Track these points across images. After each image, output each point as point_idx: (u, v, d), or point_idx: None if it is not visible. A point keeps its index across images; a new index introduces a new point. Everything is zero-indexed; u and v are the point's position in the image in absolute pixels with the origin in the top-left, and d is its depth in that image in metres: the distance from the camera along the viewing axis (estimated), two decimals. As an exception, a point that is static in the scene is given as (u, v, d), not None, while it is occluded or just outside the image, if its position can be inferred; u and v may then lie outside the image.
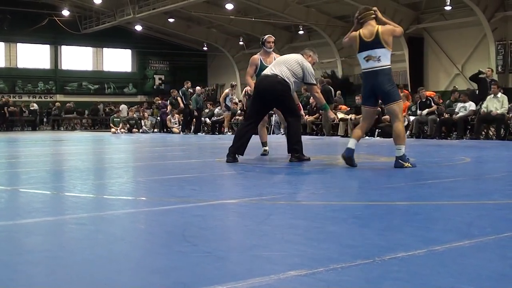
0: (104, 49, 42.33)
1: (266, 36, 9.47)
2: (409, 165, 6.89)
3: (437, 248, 2.88)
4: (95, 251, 2.98)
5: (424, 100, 17.17)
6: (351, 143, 7.11)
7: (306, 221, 3.82)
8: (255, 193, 5.12)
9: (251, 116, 8.50)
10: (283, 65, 8.03)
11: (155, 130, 26.89)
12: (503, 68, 26.03)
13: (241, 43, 39.46)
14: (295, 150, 8.03)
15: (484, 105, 15.60)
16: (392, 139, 7.20)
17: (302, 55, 8.21)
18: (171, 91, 26.17)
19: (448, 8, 27.22)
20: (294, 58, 8.12)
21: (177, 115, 25.05)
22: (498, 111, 15.22)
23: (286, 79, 7.93)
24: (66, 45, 40.98)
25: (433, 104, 17.05)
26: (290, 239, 3.28)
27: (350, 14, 31.40)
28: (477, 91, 17.37)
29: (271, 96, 8.10)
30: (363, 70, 7.10)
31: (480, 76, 17.24)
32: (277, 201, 4.62)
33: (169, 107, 25.44)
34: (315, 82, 8.30)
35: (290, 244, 3.14)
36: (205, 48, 42.25)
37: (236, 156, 8.15)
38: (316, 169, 7.29)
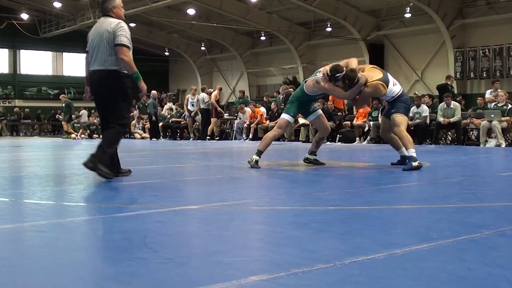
0: (64, 53, 41.84)
1: None
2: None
3: (397, 252, 2.91)
4: (55, 259, 2.94)
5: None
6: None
7: (267, 226, 3.83)
8: (216, 198, 5.12)
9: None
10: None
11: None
12: (461, 75, 26.50)
13: (202, 48, 39.43)
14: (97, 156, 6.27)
15: (439, 113, 15.91)
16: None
17: (111, 16, 6.75)
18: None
19: (408, 15, 27.62)
20: (109, 30, 6.53)
21: (142, 121, 24.92)
22: (451, 120, 15.57)
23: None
24: (25, 49, 40.40)
25: None
26: (252, 244, 3.29)
27: (311, 20, 31.73)
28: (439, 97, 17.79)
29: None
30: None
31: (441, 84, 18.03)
32: (238, 206, 4.62)
33: (136, 112, 25.30)
34: (127, 44, 6.49)
35: (252, 249, 3.15)
36: (166, 53, 42.07)
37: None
38: (278, 174, 7.32)
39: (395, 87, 7.91)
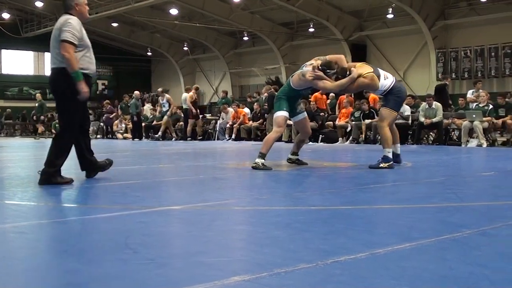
0: (46, 53, 41.46)
1: None
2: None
3: (379, 251, 2.92)
4: (36, 260, 2.92)
5: (367, 112, 17.46)
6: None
7: (249, 227, 3.82)
8: (199, 199, 5.10)
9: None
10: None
11: (98, 136, 26.51)
12: (443, 75, 26.66)
13: (185, 48, 39.37)
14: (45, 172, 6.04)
15: (421, 113, 16.02)
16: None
17: (71, 13, 6.25)
18: (123, 96, 25.98)
19: (390, 16, 27.75)
20: (58, 27, 6.19)
21: (125, 121, 24.84)
22: (433, 120, 15.69)
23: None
24: (6, 49, 40.12)
25: (375, 116, 17.34)
26: (234, 244, 3.28)
27: (294, 21, 31.75)
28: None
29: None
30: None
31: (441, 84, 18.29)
32: (221, 207, 4.61)
33: (119, 112, 25.25)
34: (71, 40, 5.98)
35: (234, 249, 3.14)
36: (149, 53, 41.95)
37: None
38: (261, 174, 7.31)
39: (386, 81, 8.00)
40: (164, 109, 22.48)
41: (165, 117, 22.32)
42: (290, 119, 8.52)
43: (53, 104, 6.42)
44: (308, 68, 7.97)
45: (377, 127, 8.08)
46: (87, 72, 6.18)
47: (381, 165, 7.74)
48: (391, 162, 7.78)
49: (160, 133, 22.37)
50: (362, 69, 7.99)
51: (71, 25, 6.03)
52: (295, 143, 8.77)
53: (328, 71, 7.84)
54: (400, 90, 8.18)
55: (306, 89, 8.39)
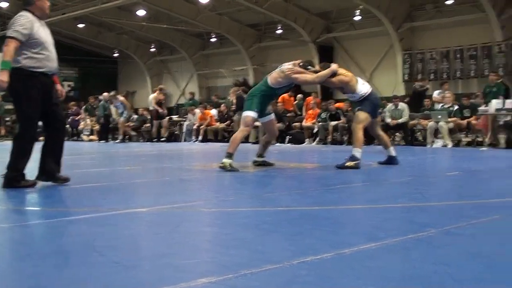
0: (11, 55, 40.93)
1: None
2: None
3: (345, 251, 2.94)
4: (-2, 264, 2.88)
5: (333, 113, 17.63)
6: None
7: (216, 228, 3.82)
8: (166, 201, 5.08)
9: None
10: None
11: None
12: (409, 77, 26.88)
13: (152, 49, 39.16)
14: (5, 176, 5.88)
15: (387, 114, 16.22)
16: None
17: (29, 10, 6.06)
18: (89, 97, 25.72)
19: (357, 18, 27.94)
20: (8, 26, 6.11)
21: (90, 122, 24.59)
22: (399, 121, 15.92)
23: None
24: (-31, 50, 39.46)
25: (341, 118, 17.50)
26: (201, 246, 3.27)
27: (262, 22, 31.76)
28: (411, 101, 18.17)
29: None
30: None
31: (419, 89, 18.53)
32: (188, 208, 4.60)
33: (83, 114, 25.04)
34: (14, 35, 5.80)
35: (201, 251, 3.14)
36: (116, 55, 41.61)
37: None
38: (227, 176, 7.31)
39: (363, 87, 8.34)
40: (120, 111, 22.22)
41: (121, 119, 22.02)
42: (258, 120, 8.53)
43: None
44: (287, 66, 8.06)
45: (352, 128, 8.37)
46: (42, 71, 5.94)
47: (347, 163, 7.84)
48: (358, 161, 7.87)
49: (120, 136, 22.05)
50: (343, 70, 8.48)
51: (18, 21, 5.84)
52: (261, 144, 8.79)
53: (309, 67, 8.15)
54: (376, 97, 8.66)
55: (283, 87, 8.38)
